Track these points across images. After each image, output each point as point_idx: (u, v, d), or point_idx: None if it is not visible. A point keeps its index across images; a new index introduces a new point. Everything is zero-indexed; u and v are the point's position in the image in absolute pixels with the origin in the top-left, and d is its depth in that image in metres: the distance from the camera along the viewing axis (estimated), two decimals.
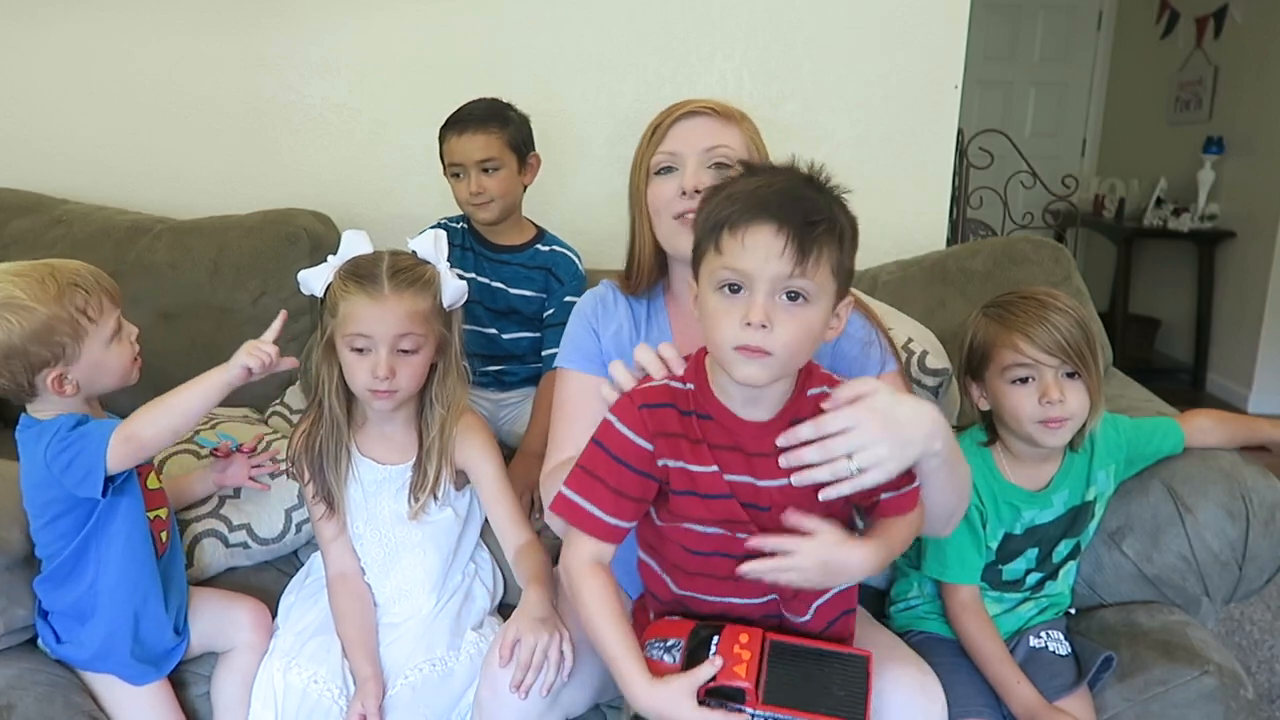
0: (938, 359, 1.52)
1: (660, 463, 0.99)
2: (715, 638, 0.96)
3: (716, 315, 0.92)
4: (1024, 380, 1.27)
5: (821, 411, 0.95)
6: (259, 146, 2.23)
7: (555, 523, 1.11)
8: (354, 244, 1.30)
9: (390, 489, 1.38)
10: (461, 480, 1.40)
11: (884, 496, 1.00)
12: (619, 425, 0.99)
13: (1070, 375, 1.27)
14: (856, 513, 1.08)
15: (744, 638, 0.95)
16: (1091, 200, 4.86)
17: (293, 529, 1.60)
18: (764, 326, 0.88)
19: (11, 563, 1.32)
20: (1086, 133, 5.31)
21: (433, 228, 1.85)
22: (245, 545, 1.57)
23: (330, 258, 1.30)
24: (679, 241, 1.21)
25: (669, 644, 0.99)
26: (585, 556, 1.00)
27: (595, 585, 0.99)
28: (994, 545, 1.35)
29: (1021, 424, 1.29)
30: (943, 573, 1.34)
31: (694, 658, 0.95)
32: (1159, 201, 4.40)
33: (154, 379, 1.94)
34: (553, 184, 1.87)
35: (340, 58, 2.19)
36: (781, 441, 0.94)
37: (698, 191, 1.16)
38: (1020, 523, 1.35)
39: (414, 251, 1.31)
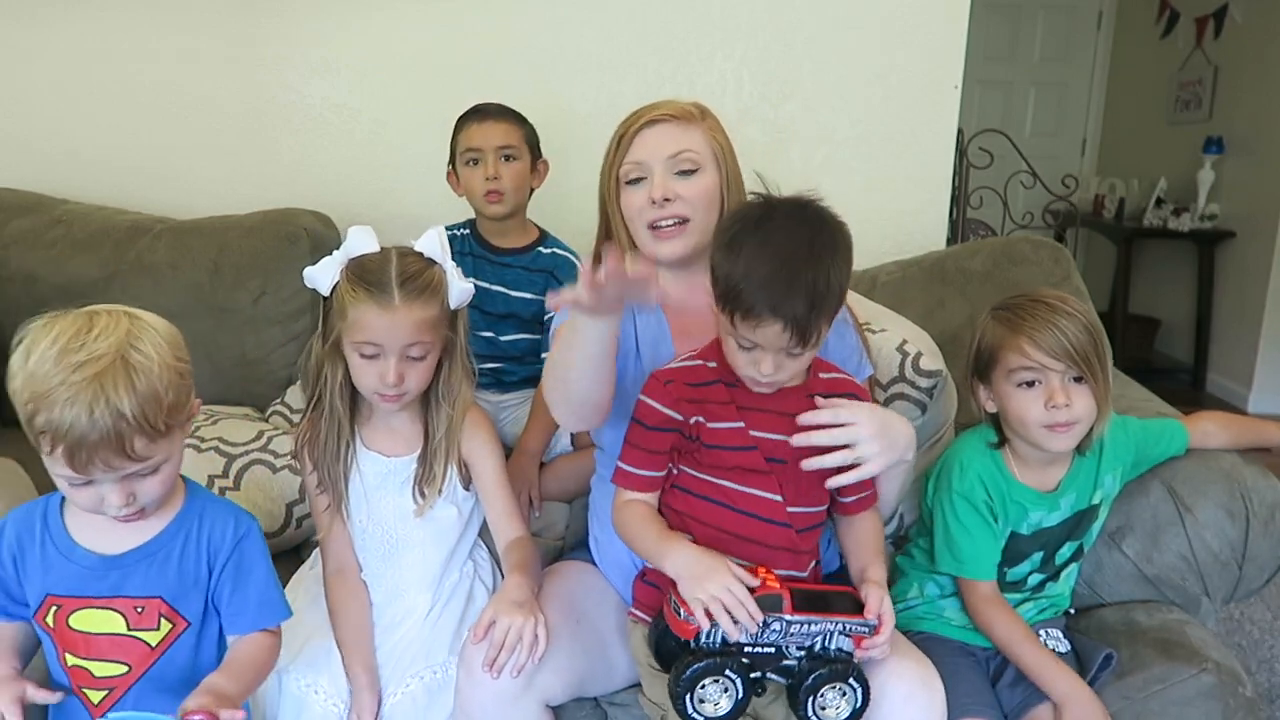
0: (932, 360, 1.52)
1: (693, 420, 1.17)
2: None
3: (736, 358, 1.13)
4: (1030, 384, 1.26)
5: (831, 394, 1.19)
6: (259, 146, 2.23)
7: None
8: (360, 240, 1.29)
9: (395, 482, 1.38)
10: (468, 476, 1.41)
11: (850, 499, 1.24)
12: (648, 400, 1.19)
13: (1077, 380, 1.25)
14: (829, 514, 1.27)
15: (763, 571, 1.12)
16: (1091, 200, 4.86)
17: (293, 523, 1.61)
18: (776, 373, 1.11)
19: None
20: (1086, 133, 5.32)
21: None
22: None
23: (335, 253, 1.29)
24: (657, 250, 1.30)
25: None
26: (628, 497, 1.20)
27: (638, 507, 1.19)
28: (1002, 544, 1.34)
29: (1027, 428, 1.28)
30: (960, 569, 1.33)
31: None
32: (1159, 201, 4.40)
33: None
34: (553, 184, 1.87)
35: (340, 58, 2.19)
36: (803, 419, 1.14)
37: (667, 200, 1.27)
38: (1027, 523, 1.34)
39: (420, 253, 1.31)
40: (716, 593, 1.05)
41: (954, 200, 2.81)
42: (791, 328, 1.05)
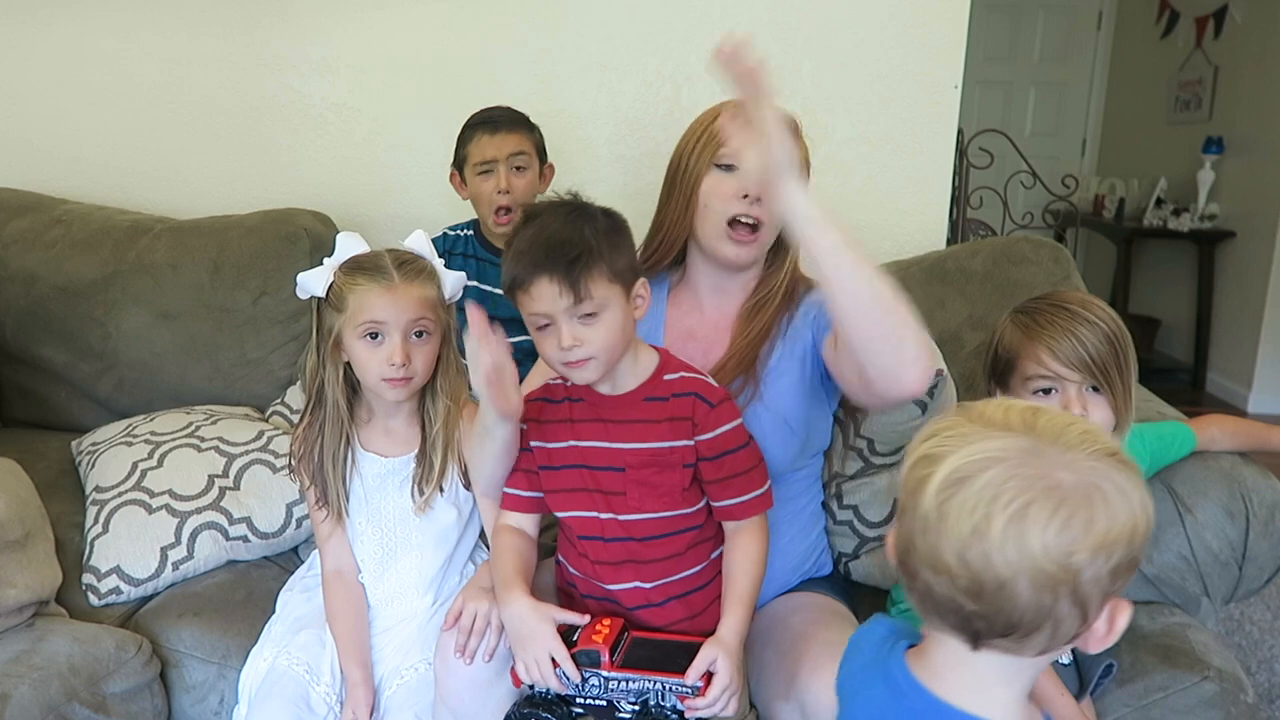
0: (933, 362, 1.52)
1: (532, 444, 1.22)
2: (581, 628, 1.16)
3: (544, 349, 1.13)
4: (1046, 392, 1.23)
5: (673, 395, 1.16)
6: (259, 146, 2.23)
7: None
8: (350, 245, 1.32)
9: (394, 482, 1.38)
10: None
11: (720, 503, 1.17)
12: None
13: (1095, 390, 1.22)
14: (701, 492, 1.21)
15: (606, 622, 1.15)
16: (1091, 200, 4.86)
17: (293, 523, 1.61)
18: (575, 345, 1.08)
19: (1, 544, 1.33)
20: (1086, 133, 5.31)
21: (437, 238, 1.86)
22: (245, 539, 1.58)
23: (326, 260, 1.31)
24: (719, 246, 1.28)
25: None
26: (502, 521, 1.26)
27: (504, 537, 1.24)
28: None
29: None
30: None
31: (565, 639, 1.14)
32: (1159, 201, 4.40)
33: (153, 379, 1.96)
34: (553, 184, 1.87)
35: (340, 58, 2.19)
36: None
37: (759, 199, 1.24)
38: None
39: (409, 249, 1.34)
40: (534, 658, 1.11)
41: (954, 200, 2.80)
42: (560, 280, 1.06)
